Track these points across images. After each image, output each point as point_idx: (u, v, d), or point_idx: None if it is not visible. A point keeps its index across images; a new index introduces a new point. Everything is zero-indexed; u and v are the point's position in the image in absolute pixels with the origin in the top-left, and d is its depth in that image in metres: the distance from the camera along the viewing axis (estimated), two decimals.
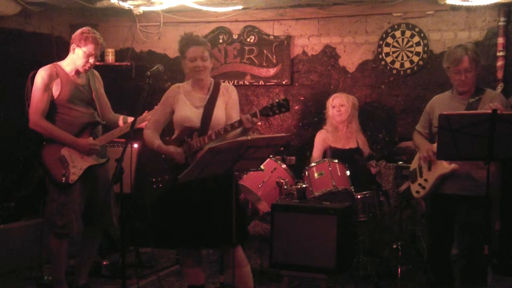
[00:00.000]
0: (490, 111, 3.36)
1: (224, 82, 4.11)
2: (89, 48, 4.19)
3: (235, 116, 3.85)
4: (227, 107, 3.87)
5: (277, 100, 3.62)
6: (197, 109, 3.82)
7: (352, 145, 5.25)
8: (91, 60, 4.23)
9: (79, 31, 4.25)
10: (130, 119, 4.43)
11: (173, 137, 3.88)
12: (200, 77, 3.83)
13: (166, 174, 3.80)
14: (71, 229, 4.22)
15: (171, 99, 3.89)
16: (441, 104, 4.13)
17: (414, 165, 4.33)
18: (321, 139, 5.35)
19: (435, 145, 4.03)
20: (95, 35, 4.23)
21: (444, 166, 3.99)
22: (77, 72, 4.29)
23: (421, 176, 4.20)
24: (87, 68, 4.26)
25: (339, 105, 5.25)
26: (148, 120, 4.28)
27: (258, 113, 3.61)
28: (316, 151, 5.35)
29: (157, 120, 3.93)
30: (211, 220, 3.70)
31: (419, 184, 4.19)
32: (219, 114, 3.81)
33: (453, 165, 3.95)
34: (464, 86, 3.99)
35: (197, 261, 3.95)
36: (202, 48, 3.80)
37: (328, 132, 5.32)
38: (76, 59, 4.23)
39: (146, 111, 4.43)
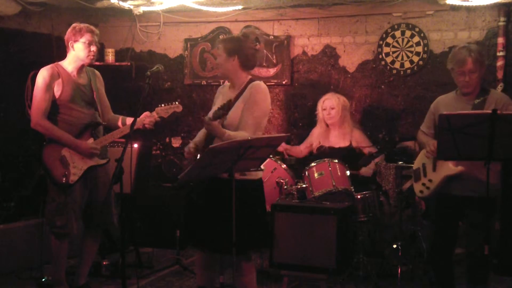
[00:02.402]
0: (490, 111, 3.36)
1: (259, 81, 3.86)
2: (87, 36, 4.21)
3: (247, 118, 3.67)
4: (244, 107, 3.71)
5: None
6: None
7: (343, 144, 5.24)
8: (93, 48, 4.24)
9: (69, 28, 4.28)
10: (129, 120, 4.42)
11: None
12: (216, 73, 3.85)
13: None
14: (71, 229, 4.22)
15: (215, 97, 3.95)
16: (447, 105, 4.07)
17: (417, 164, 4.27)
18: (315, 134, 5.40)
19: None
20: (86, 24, 4.28)
21: (450, 168, 3.93)
22: (79, 72, 4.29)
23: (425, 176, 4.14)
24: (92, 57, 4.26)
25: (329, 108, 5.26)
26: (147, 122, 4.28)
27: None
28: (305, 143, 5.45)
29: None
30: (220, 225, 3.60)
31: (423, 184, 4.13)
32: (233, 114, 3.68)
33: (460, 168, 3.88)
34: (468, 87, 3.96)
35: (209, 264, 3.90)
36: (217, 47, 3.90)
37: (322, 130, 5.36)
38: (78, 53, 4.23)
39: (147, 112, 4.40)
